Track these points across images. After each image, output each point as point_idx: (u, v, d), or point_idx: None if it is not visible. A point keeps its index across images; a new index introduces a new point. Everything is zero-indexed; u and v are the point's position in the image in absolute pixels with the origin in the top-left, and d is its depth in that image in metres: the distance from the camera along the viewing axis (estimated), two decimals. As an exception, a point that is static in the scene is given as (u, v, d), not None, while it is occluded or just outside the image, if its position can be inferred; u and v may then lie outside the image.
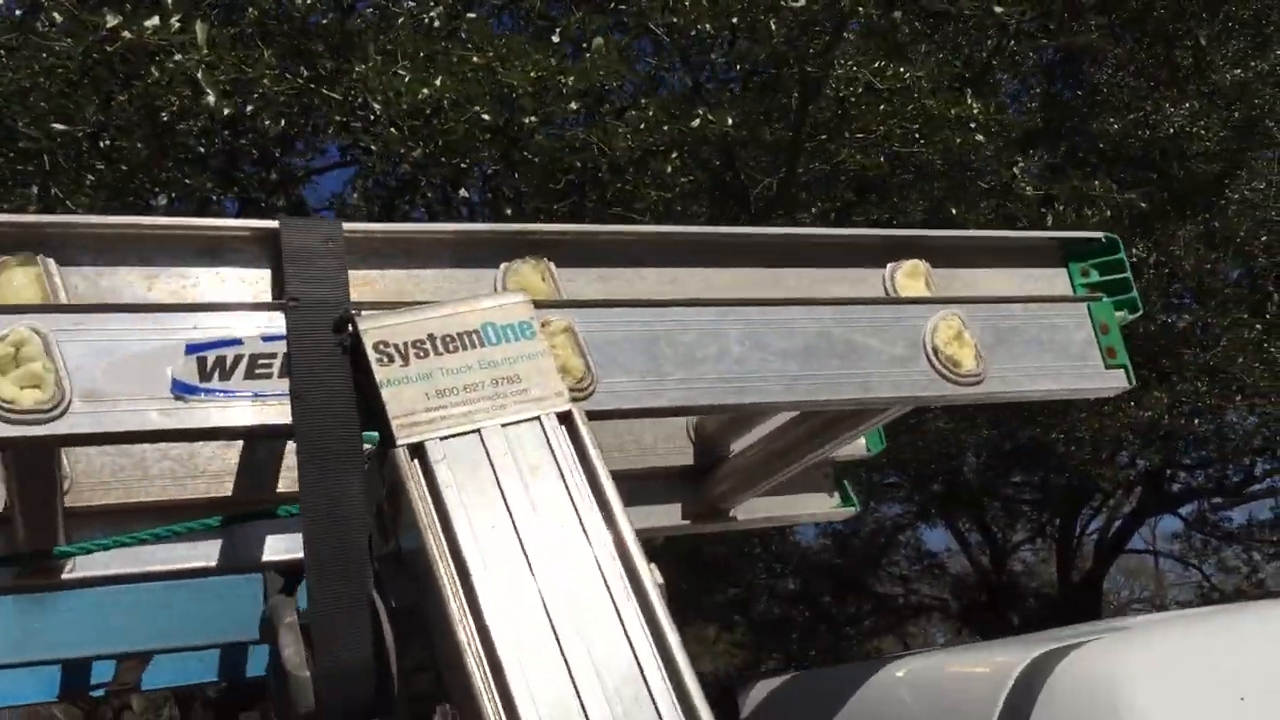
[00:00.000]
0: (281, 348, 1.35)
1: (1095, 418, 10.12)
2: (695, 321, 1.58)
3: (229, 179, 6.12)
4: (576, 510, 1.25)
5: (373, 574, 1.27)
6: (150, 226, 1.42)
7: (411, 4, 5.27)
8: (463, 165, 5.36)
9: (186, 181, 5.47)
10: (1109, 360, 1.80)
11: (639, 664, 1.17)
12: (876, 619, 19.54)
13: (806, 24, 6.24)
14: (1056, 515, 17.13)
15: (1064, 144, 10.82)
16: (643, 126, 5.76)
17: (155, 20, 3.96)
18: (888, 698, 2.30)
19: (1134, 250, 8.62)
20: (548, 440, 1.29)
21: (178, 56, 4.11)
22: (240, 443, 1.85)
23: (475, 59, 4.71)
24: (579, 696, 1.14)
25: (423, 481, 1.23)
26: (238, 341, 1.34)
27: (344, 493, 1.28)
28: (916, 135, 7.00)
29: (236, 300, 1.42)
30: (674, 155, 6.20)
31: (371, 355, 1.29)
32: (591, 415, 1.37)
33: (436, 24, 5.41)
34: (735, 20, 6.04)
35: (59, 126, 4.39)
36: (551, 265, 1.60)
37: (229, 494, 1.84)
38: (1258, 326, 10.09)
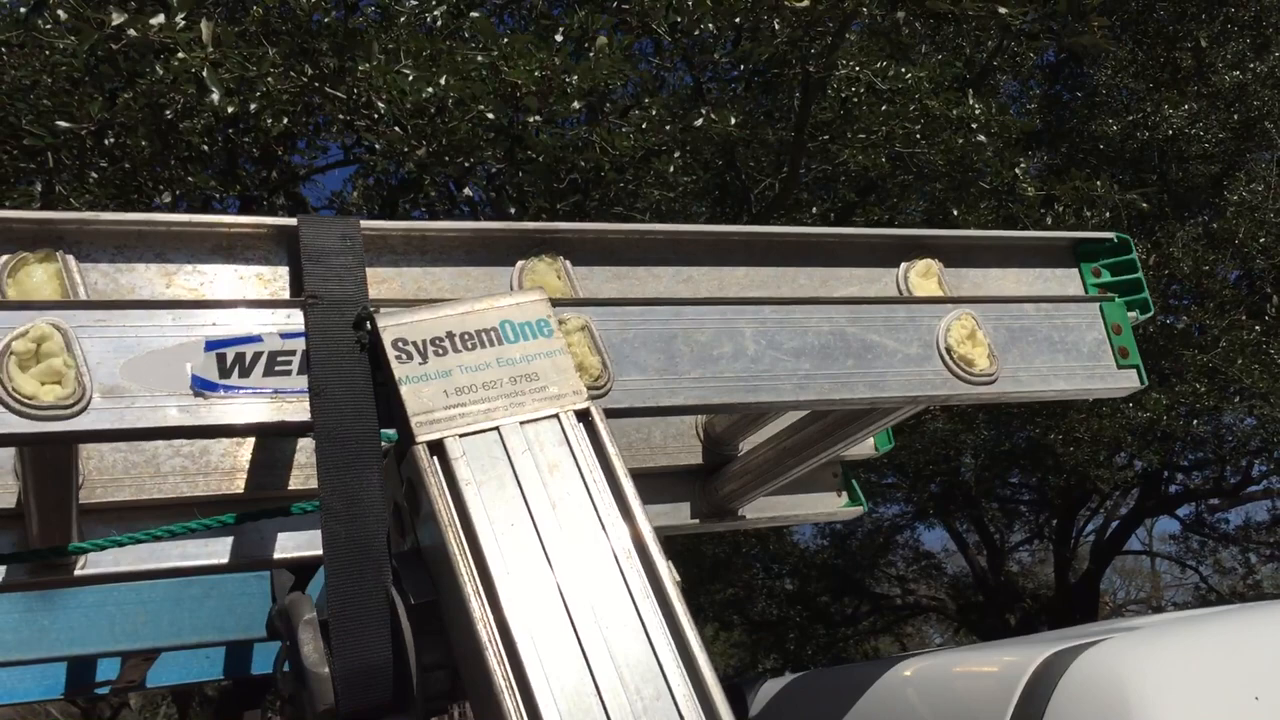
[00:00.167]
0: (300, 345, 1.35)
1: (1094, 418, 10.13)
2: (711, 320, 1.58)
3: (231, 177, 6.11)
4: (595, 508, 1.25)
5: (391, 571, 1.27)
6: (168, 223, 1.42)
7: (414, 3, 5.27)
8: (467, 164, 5.36)
9: (189, 179, 5.46)
10: (1121, 360, 1.80)
11: (659, 661, 1.17)
12: (874, 619, 19.55)
13: (809, 24, 6.24)
14: (1054, 516, 17.13)
15: (1064, 145, 10.84)
16: (645, 126, 5.76)
17: (161, 18, 3.97)
18: (897, 697, 2.31)
19: (1133, 251, 8.59)
20: (566, 438, 1.29)
21: (181, 54, 4.11)
22: (251, 440, 1.85)
23: (480, 58, 4.71)
24: (599, 694, 1.14)
25: (442, 479, 1.23)
26: (257, 338, 1.34)
27: (363, 490, 1.28)
28: (918, 136, 7.01)
29: (255, 297, 1.42)
30: (676, 155, 6.21)
31: (390, 352, 1.29)
32: (607, 414, 1.37)
33: (439, 23, 5.42)
34: (738, 20, 6.05)
35: (64, 124, 4.39)
36: (567, 263, 1.60)
37: (240, 491, 1.84)
38: (1256, 328, 10.10)
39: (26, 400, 1.22)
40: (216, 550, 1.86)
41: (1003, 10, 5.63)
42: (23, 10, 4.34)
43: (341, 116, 5.06)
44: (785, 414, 2.10)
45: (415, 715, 1.27)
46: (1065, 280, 1.90)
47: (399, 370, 1.28)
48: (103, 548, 1.64)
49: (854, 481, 2.39)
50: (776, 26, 6.12)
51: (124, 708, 18.05)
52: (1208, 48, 10.41)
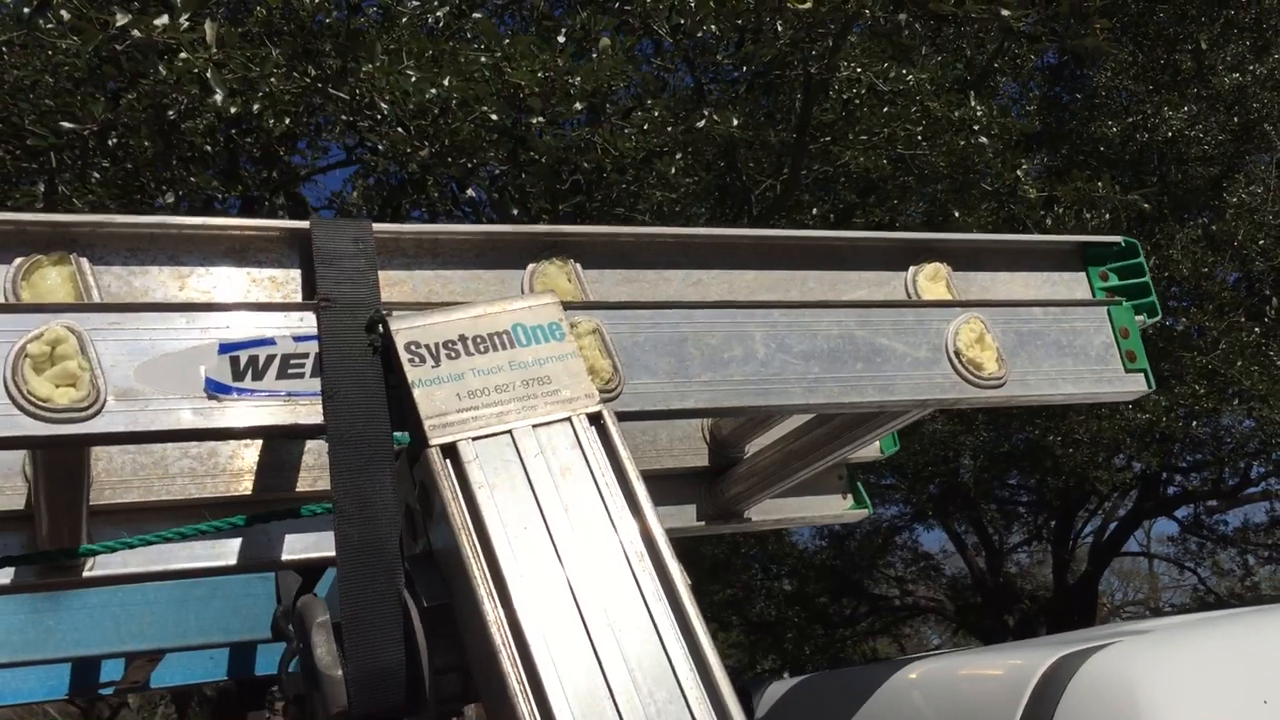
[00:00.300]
0: (313, 348, 1.36)
1: (1093, 420, 10.14)
2: (721, 323, 1.58)
3: (233, 178, 6.11)
4: (608, 511, 1.25)
5: (404, 574, 1.27)
6: (181, 226, 1.42)
7: (415, 4, 5.27)
8: (470, 165, 5.36)
9: (191, 179, 5.46)
10: (1129, 364, 1.81)
11: (671, 664, 1.17)
12: (872, 620, 19.55)
13: (811, 26, 6.25)
14: (1053, 518, 17.14)
15: (1064, 147, 10.85)
16: (647, 128, 5.77)
17: (165, 19, 3.97)
18: (904, 700, 2.31)
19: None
20: (579, 441, 1.29)
21: (184, 55, 4.11)
22: (259, 442, 1.85)
23: (483, 59, 4.71)
24: (612, 696, 1.14)
25: (455, 482, 1.23)
26: (270, 341, 1.34)
27: (376, 492, 1.28)
28: (920, 138, 7.02)
29: (268, 300, 1.42)
30: (678, 156, 6.21)
31: (403, 356, 1.29)
32: (618, 417, 1.38)
33: (441, 24, 5.42)
34: (740, 22, 6.05)
35: (67, 124, 4.39)
36: (578, 266, 1.61)
37: (248, 492, 1.84)
38: (1256, 330, 10.11)
39: (42, 403, 1.22)
40: (224, 552, 1.86)
41: (1006, 12, 5.64)
42: (25, 10, 4.34)
43: (344, 117, 5.06)
44: (791, 416, 2.10)
45: (428, 718, 1.27)
46: (1073, 284, 1.90)
47: (412, 373, 1.28)
48: (114, 549, 1.64)
49: (859, 484, 2.40)
50: (779, 28, 6.12)
51: (123, 707, 18.03)
52: (1208, 50, 10.42)
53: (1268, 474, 14.93)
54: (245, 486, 1.84)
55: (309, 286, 1.44)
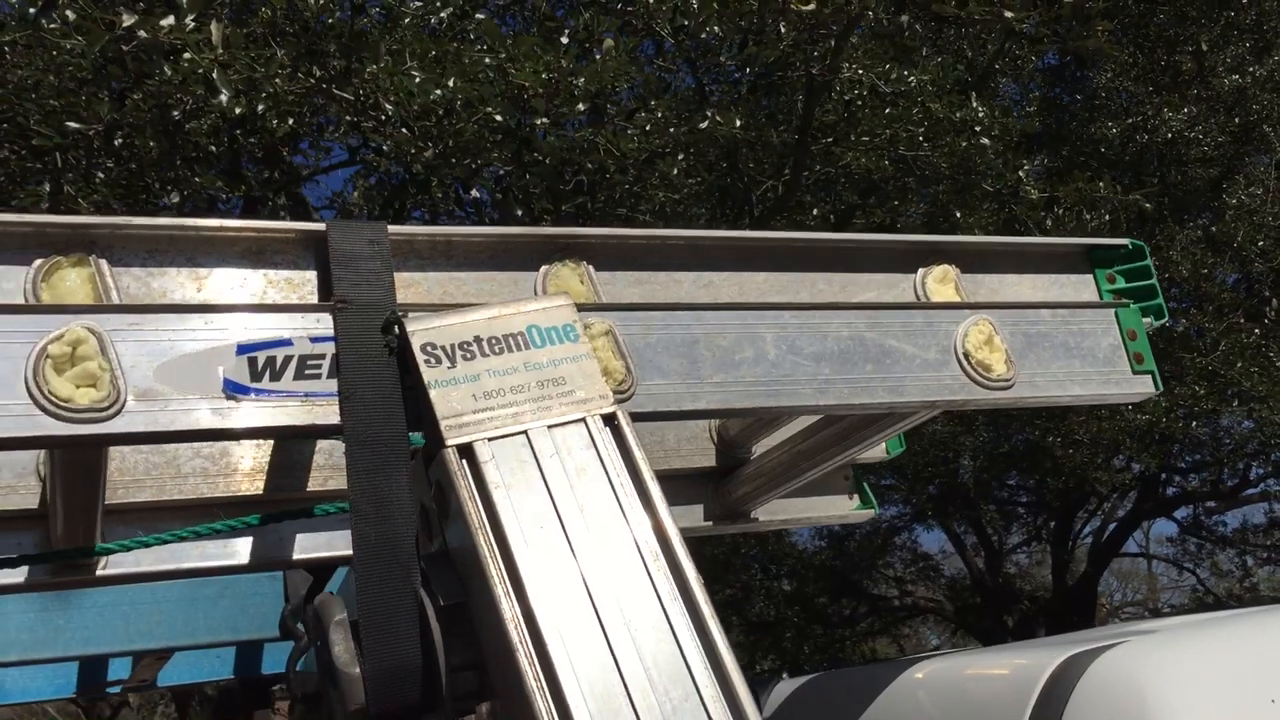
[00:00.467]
0: (329, 349, 1.37)
1: (1093, 421, 10.16)
2: (732, 325, 1.59)
3: (236, 178, 6.12)
4: (623, 510, 1.26)
5: (420, 573, 1.28)
6: (199, 228, 1.43)
7: (418, 4, 5.28)
8: (474, 166, 5.37)
9: (195, 179, 5.47)
10: (1136, 366, 1.82)
11: (686, 664, 1.18)
12: (871, 620, 19.56)
13: (814, 27, 6.26)
14: (1052, 518, 17.16)
15: (1064, 148, 10.87)
16: (650, 128, 5.78)
17: (170, 20, 3.98)
18: (911, 700, 2.32)
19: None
20: (593, 442, 1.30)
21: (189, 55, 4.12)
22: (271, 442, 1.86)
23: (487, 60, 4.72)
24: (628, 694, 1.15)
25: (472, 482, 1.24)
26: (288, 342, 1.35)
27: (392, 492, 1.29)
28: (921, 139, 7.03)
29: (285, 301, 1.43)
30: (680, 157, 6.22)
31: (419, 357, 1.30)
32: (631, 418, 1.39)
33: (445, 25, 5.43)
34: (743, 23, 6.06)
35: (72, 125, 4.40)
36: (590, 268, 1.62)
37: (260, 492, 1.85)
38: (1255, 331, 10.13)
39: (63, 403, 1.23)
40: (236, 551, 1.87)
41: (1008, 14, 5.65)
42: (31, 11, 4.35)
43: (349, 118, 5.07)
44: (798, 417, 2.11)
45: (445, 715, 1.28)
46: (1080, 286, 1.92)
47: (428, 374, 1.29)
48: (129, 548, 1.65)
49: (865, 484, 2.41)
50: (782, 29, 6.13)
51: (124, 706, 18.02)
52: (1208, 51, 10.44)
53: (1267, 475, 14.95)
54: (257, 486, 1.85)
55: (325, 288, 1.45)
